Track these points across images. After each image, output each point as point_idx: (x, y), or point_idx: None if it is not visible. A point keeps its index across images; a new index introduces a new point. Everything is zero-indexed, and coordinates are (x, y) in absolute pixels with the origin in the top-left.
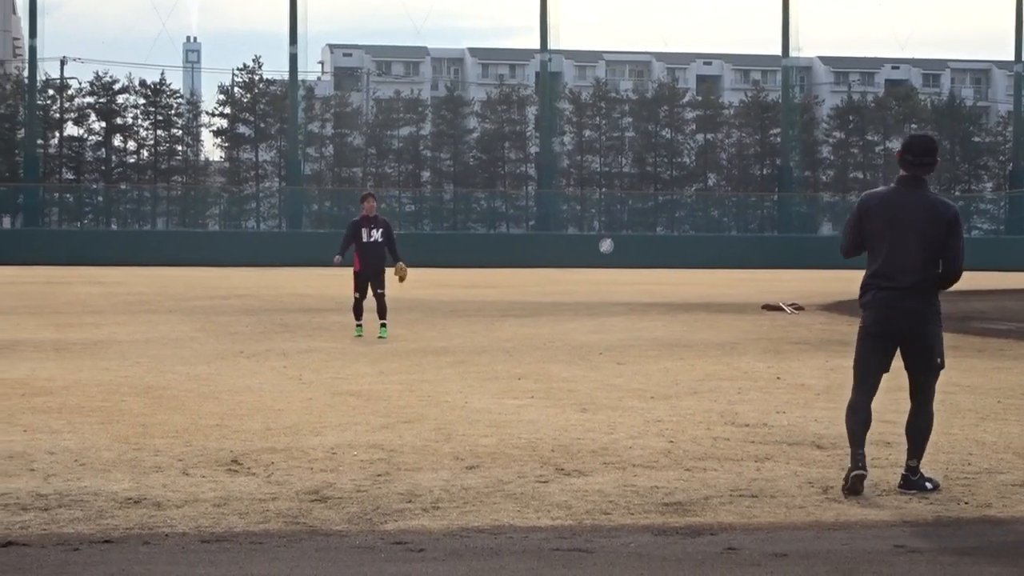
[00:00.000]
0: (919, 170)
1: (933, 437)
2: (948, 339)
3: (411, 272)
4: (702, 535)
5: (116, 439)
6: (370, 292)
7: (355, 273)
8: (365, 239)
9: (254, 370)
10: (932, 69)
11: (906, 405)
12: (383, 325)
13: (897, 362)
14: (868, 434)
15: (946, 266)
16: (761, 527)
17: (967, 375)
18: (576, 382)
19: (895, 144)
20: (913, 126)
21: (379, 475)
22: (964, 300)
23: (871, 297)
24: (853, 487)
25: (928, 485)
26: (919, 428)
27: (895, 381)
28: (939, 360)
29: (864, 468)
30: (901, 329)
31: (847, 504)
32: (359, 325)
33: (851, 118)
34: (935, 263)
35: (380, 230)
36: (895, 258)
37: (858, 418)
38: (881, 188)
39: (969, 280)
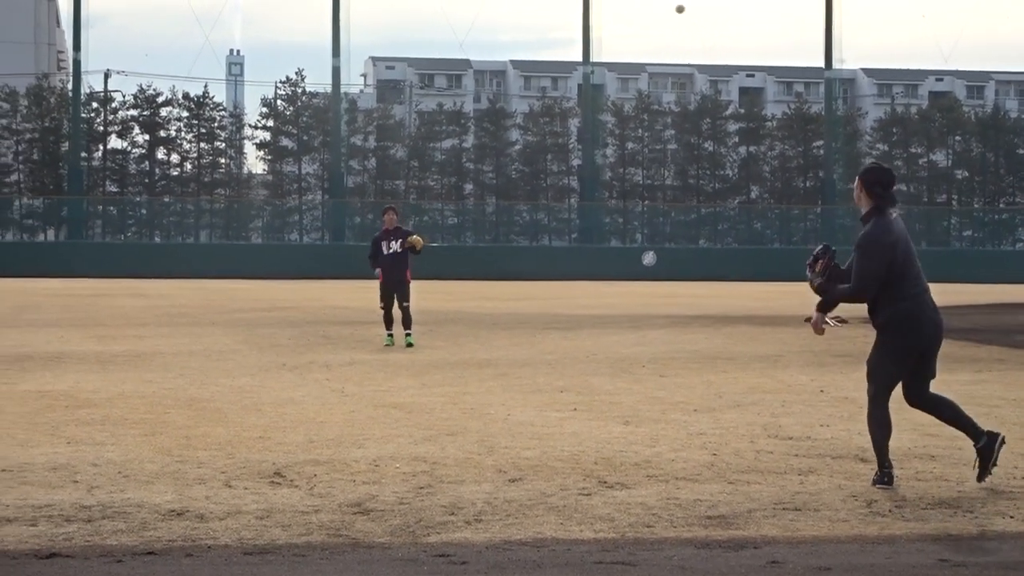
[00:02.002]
0: (887, 203)
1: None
2: (994, 352)
3: (456, 285)
4: (745, 548)
5: (159, 451)
6: (396, 303)
7: (380, 285)
8: (385, 251)
9: (297, 382)
10: (976, 81)
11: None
12: (408, 334)
13: (955, 374)
14: (913, 447)
15: None
16: (805, 541)
17: (1012, 388)
18: (619, 395)
19: (938, 157)
20: (957, 138)
21: (421, 487)
22: (1009, 313)
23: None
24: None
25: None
26: (954, 410)
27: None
28: None
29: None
30: (937, 338)
31: (891, 518)
32: (389, 335)
33: (894, 130)
34: None
35: (399, 241)
36: (919, 275)
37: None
38: (875, 225)
39: (1015, 293)
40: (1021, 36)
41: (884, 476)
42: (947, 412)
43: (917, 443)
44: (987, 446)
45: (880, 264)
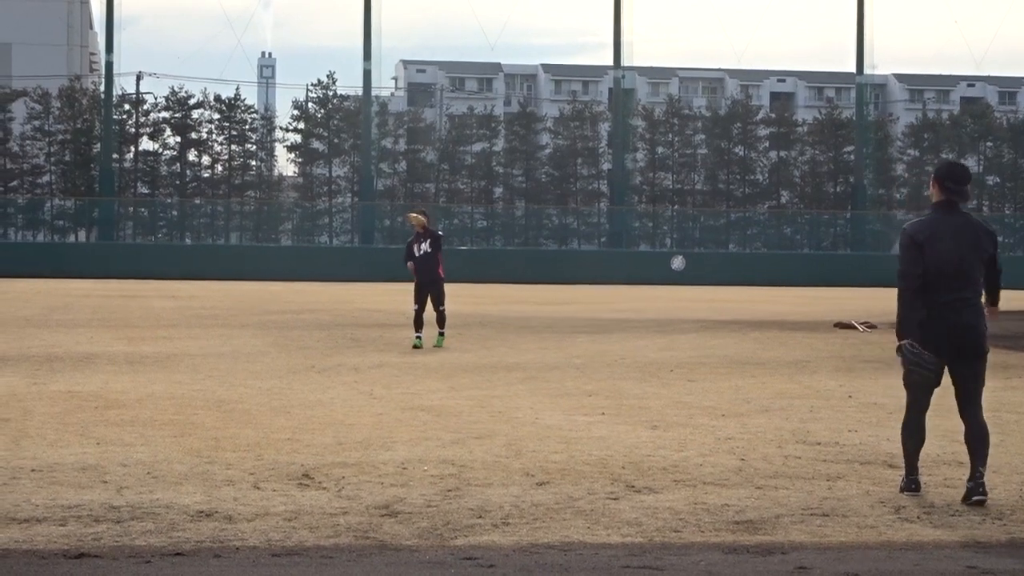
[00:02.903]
0: (960, 198)
1: (1007, 458)
2: (1023, 358)
3: (485, 288)
4: (773, 554)
5: (188, 452)
6: (430, 306)
7: (414, 285)
8: (417, 253)
9: (325, 385)
10: (1008, 87)
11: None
12: (440, 334)
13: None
14: (942, 453)
15: (995, 274)
16: (832, 546)
17: None
18: (647, 399)
19: (969, 163)
20: (988, 144)
21: (449, 490)
22: None
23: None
24: None
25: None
26: (980, 440)
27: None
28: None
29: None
30: (959, 344)
31: (919, 524)
32: (418, 336)
33: (926, 136)
34: (981, 280)
35: (428, 241)
36: (957, 277)
37: (918, 436)
38: (922, 218)
39: None
40: None
41: (911, 483)
42: (975, 439)
43: (946, 449)
44: (970, 491)
45: (908, 261)
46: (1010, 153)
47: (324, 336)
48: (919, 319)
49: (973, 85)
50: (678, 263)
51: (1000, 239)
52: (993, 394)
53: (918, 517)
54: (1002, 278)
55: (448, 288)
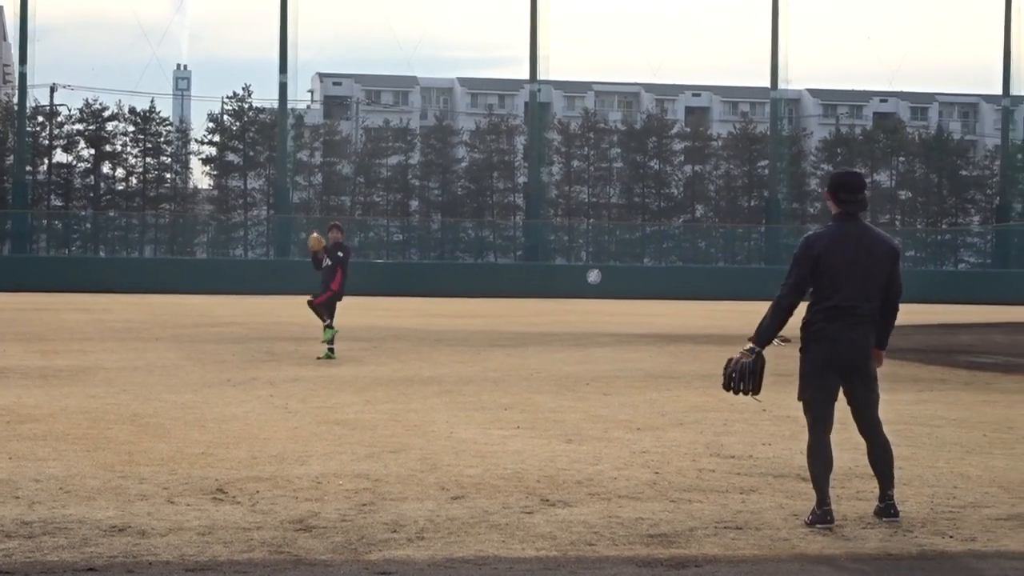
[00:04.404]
0: (856, 207)
1: (917, 471)
2: (935, 372)
3: (401, 301)
4: (687, 567)
5: (101, 467)
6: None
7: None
8: (323, 264)
9: (240, 398)
10: (920, 102)
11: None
12: (330, 349)
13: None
14: (854, 466)
15: (893, 296)
16: (746, 559)
17: (953, 408)
18: (562, 413)
19: (882, 177)
20: (901, 159)
21: (364, 505)
22: (951, 333)
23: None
24: None
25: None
26: (886, 458)
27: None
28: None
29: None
30: (852, 358)
31: (832, 537)
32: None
33: (839, 150)
34: (880, 295)
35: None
36: (853, 291)
37: (824, 458)
38: (822, 229)
39: (956, 313)
40: (965, 59)
41: (824, 514)
42: (879, 459)
43: (858, 462)
44: (882, 511)
45: (797, 276)
46: (922, 168)
47: (239, 350)
48: (776, 334)
49: (886, 100)
50: (594, 276)
51: (911, 253)
52: (905, 407)
53: (830, 530)
54: (907, 295)
55: (363, 302)
